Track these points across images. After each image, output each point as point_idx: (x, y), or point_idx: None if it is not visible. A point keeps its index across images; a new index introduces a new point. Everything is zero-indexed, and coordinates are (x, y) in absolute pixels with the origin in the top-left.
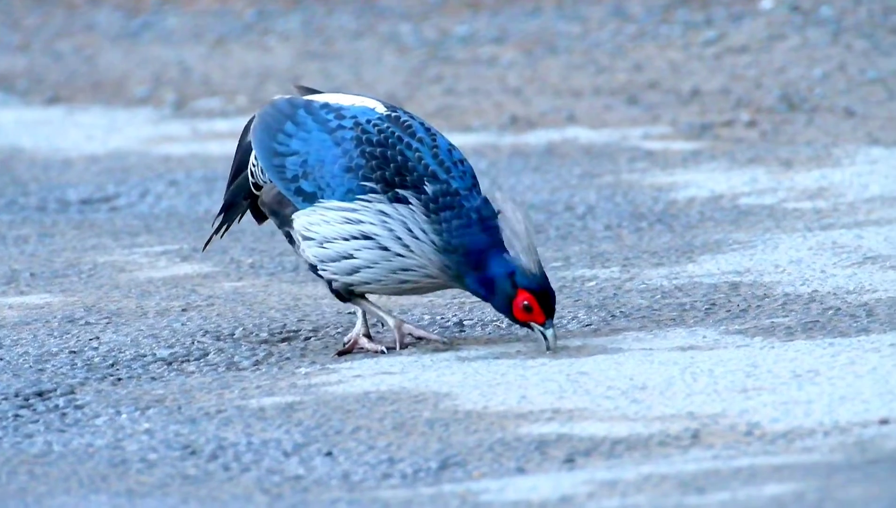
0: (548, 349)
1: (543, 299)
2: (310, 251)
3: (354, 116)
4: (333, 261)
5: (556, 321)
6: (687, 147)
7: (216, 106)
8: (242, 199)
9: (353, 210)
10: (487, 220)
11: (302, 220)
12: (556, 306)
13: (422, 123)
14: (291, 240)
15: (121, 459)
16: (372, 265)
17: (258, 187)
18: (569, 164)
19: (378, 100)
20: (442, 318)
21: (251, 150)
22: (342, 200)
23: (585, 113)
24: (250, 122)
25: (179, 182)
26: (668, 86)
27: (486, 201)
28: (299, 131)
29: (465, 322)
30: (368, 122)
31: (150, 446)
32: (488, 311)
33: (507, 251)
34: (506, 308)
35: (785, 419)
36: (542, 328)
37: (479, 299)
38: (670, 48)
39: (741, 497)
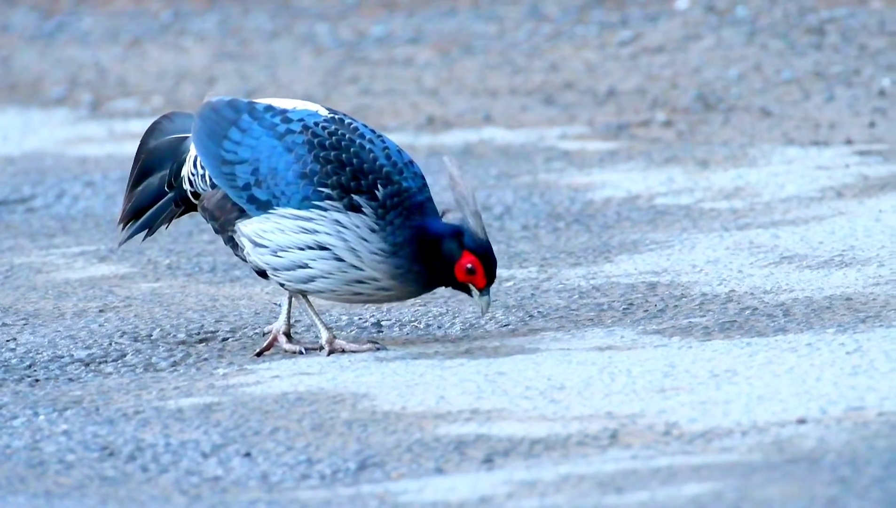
0: (482, 313)
1: (488, 265)
2: (262, 259)
3: (302, 120)
4: (288, 270)
5: (473, 322)
6: (603, 147)
7: (132, 107)
8: (174, 205)
9: (310, 219)
10: (425, 207)
11: (254, 226)
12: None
13: (364, 125)
14: (234, 244)
15: (38, 460)
16: (327, 276)
17: (196, 196)
18: (485, 164)
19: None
20: (360, 318)
21: (167, 154)
22: (298, 207)
23: (502, 113)
24: (154, 123)
25: (96, 183)
26: (584, 86)
27: (430, 198)
28: (246, 138)
29: (382, 323)
30: (317, 124)
31: (67, 447)
32: (406, 311)
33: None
34: (447, 269)
35: (703, 418)
36: (479, 293)
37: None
38: (586, 48)
39: (660, 497)
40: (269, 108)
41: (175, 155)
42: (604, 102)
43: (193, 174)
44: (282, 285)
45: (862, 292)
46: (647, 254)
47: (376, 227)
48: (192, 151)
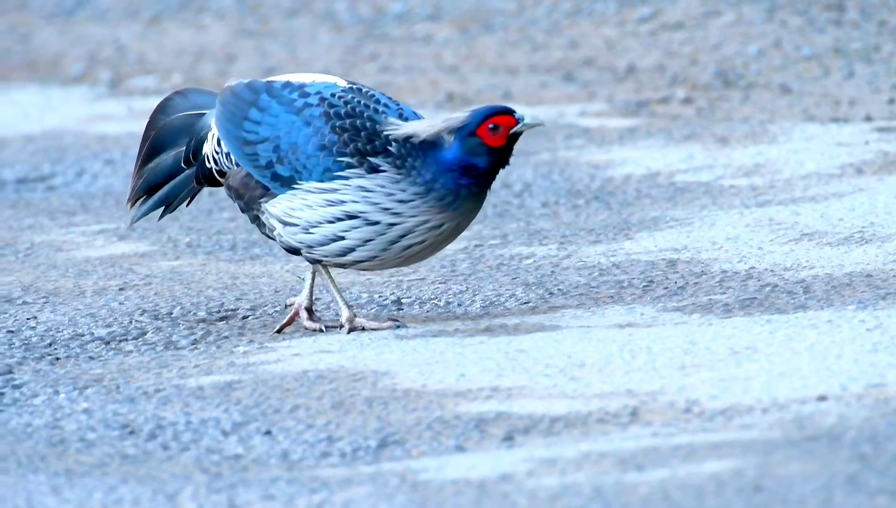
0: (542, 124)
1: (497, 109)
2: (294, 238)
3: (319, 92)
4: (322, 245)
5: (493, 299)
6: (623, 124)
7: (151, 84)
8: (195, 182)
9: (334, 190)
10: (434, 144)
11: (283, 205)
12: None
13: (383, 94)
14: (259, 222)
15: (59, 439)
16: (365, 243)
17: (222, 174)
18: None
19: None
20: (380, 296)
21: (181, 131)
22: (320, 180)
23: (521, 90)
24: (165, 100)
25: (115, 161)
26: (603, 63)
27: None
28: (265, 116)
29: (403, 300)
30: (333, 95)
31: (88, 425)
32: (426, 289)
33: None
34: (489, 154)
35: (723, 396)
36: (522, 123)
37: (416, 276)
38: (605, 25)
39: (680, 474)
40: (286, 84)
41: (191, 132)
42: (623, 78)
43: (217, 152)
44: (318, 261)
45: (882, 268)
46: (667, 231)
47: (399, 177)
48: (215, 130)
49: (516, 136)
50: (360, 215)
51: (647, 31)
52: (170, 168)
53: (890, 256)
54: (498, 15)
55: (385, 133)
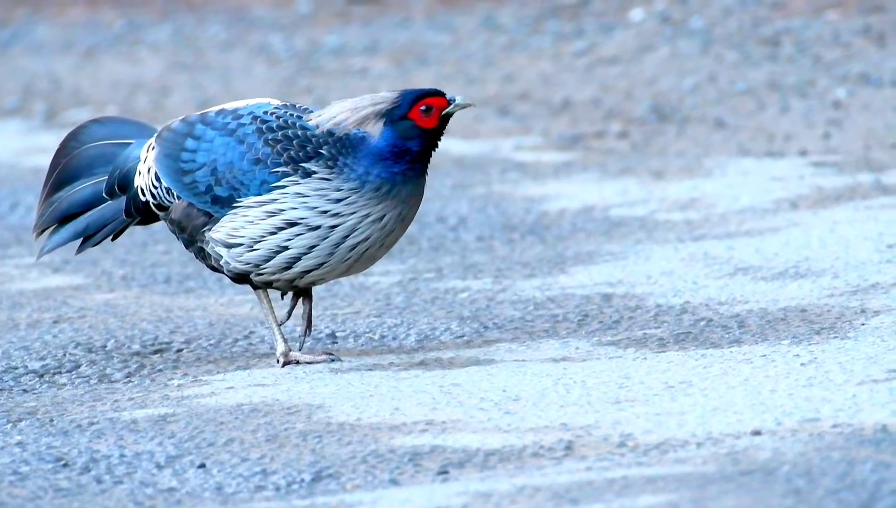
0: (472, 105)
1: (424, 93)
2: (240, 260)
3: (251, 112)
4: (268, 260)
5: (428, 333)
6: (558, 158)
7: (86, 117)
8: (125, 215)
9: (273, 201)
10: (363, 138)
11: (226, 228)
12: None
13: (317, 109)
14: (204, 255)
15: None
16: (309, 250)
17: (161, 207)
18: (441, 175)
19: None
20: (314, 330)
21: (99, 160)
22: (258, 193)
23: (457, 124)
24: (80, 127)
25: None
26: (539, 97)
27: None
28: (201, 144)
29: (337, 334)
30: (266, 112)
31: (22, 458)
32: (361, 322)
33: (375, 137)
34: (423, 136)
35: (658, 430)
36: (454, 104)
37: (351, 309)
38: (541, 59)
39: None
40: (220, 112)
41: (113, 162)
42: (559, 112)
43: (156, 187)
44: (269, 283)
45: (817, 303)
46: (602, 265)
47: (332, 176)
48: (152, 165)
49: (448, 117)
50: (299, 221)
51: (583, 66)
52: (87, 198)
53: (824, 290)
54: (433, 49)
55: (311, 122)
